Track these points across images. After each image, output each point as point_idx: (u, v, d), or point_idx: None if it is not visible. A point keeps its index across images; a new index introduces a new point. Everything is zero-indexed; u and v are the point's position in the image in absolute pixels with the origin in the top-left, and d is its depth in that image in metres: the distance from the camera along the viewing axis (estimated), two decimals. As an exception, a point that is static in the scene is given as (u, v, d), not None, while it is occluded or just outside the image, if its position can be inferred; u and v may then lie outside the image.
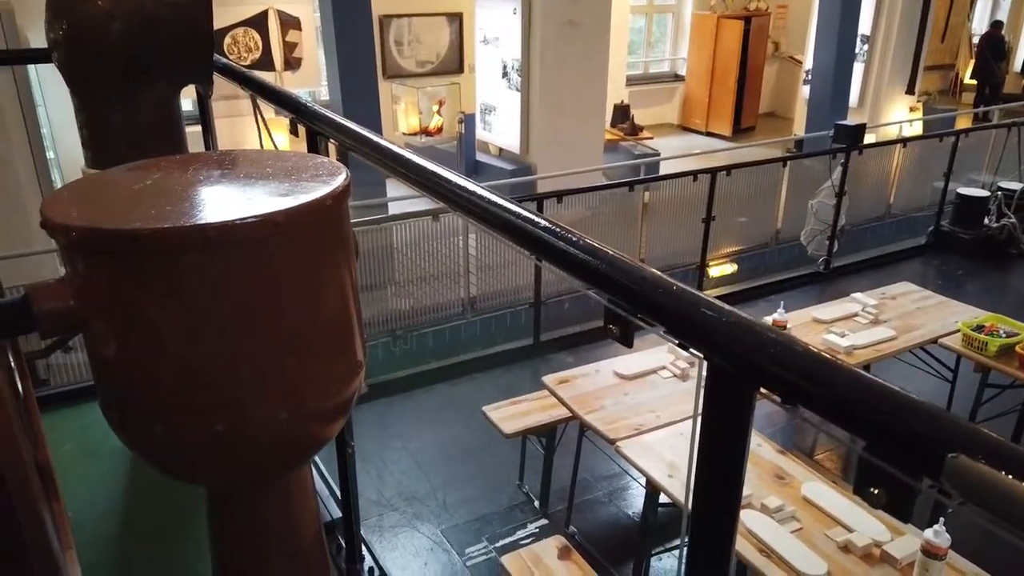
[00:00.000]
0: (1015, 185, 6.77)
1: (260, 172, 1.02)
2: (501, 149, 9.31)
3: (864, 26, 10.31)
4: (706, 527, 0.77)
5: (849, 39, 8.95)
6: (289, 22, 9.96)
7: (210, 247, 0.82)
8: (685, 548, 0.79)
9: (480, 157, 9.33)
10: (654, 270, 0.84)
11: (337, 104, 6.79)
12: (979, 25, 16.38)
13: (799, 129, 12.14)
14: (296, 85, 10.54)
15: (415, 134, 10.10)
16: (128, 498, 2.28)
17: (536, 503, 3.70)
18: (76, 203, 0.93)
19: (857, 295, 3.97)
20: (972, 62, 13.77)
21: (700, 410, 0.77)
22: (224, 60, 2.13)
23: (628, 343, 0.85)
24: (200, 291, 0.85)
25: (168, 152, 2.09)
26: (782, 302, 3.60)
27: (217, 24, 8.47)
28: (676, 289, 0.80)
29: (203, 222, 0.82)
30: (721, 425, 0.74)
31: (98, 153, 2.07)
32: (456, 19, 11.21)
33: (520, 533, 3.52)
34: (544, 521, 3.60)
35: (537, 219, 0.95)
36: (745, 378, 0.72)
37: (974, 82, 14.50)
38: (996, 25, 13.51)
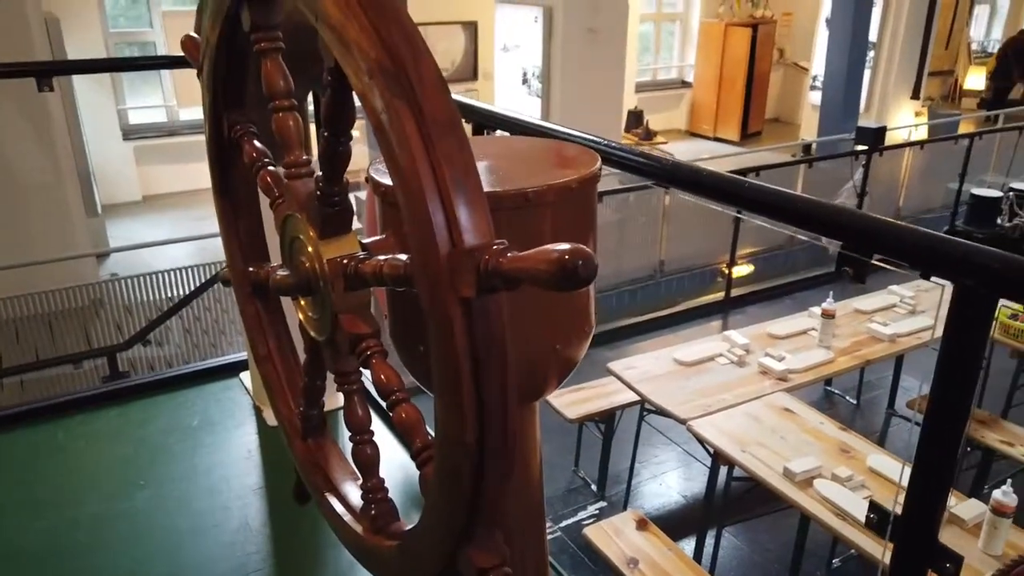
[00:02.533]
0: (1027, 186, 7.00)
1: (535, 153, 1.22)
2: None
3: (871, 33, 10.60)
4: (941, 419, 0.98)
5: (860, 46, 9.21)
6: (310, 30, 10.14)
7: (526, 207, 1.00)
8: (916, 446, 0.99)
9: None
10: (889, 219, 1.05)
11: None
12: (975, 32, 16.72)
13: (806, 134, 12.41)
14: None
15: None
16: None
17: (593, 487, 3.89)
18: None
19: (894, 287, 4.18)
20: (993, 65, 14.02)
21: (944, 330, 0.97)
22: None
23: (862, 280, 1.06)
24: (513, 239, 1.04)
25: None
26: (831, 292, 3.81)
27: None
28: (920, 231, 1.02)
29: (524, 187, 1.00)
30: (965, 335, 0.96)
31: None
32: (471, 27, 11.42)
33: (582, 514, 3.71)
34: (603, 503, 3.79)
35: (782, 191, 1.17)
36: (991, 291, 0.93)
37: (975, 87, 14.82)
38: (1022, 33, 13.77)
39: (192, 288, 5.52)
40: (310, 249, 0.93)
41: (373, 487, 1.00)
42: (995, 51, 15.73)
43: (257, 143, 1.12)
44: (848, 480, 2.53)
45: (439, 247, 0.64)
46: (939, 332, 2.90)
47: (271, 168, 1.08)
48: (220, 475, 2.24)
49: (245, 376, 2.70)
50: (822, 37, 12.27)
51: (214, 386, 2.69)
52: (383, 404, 0.87)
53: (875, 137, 6.00)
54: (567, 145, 1.42)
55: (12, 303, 5.11)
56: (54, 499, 2.18)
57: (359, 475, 1.12)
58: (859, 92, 9.57)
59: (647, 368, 3.37)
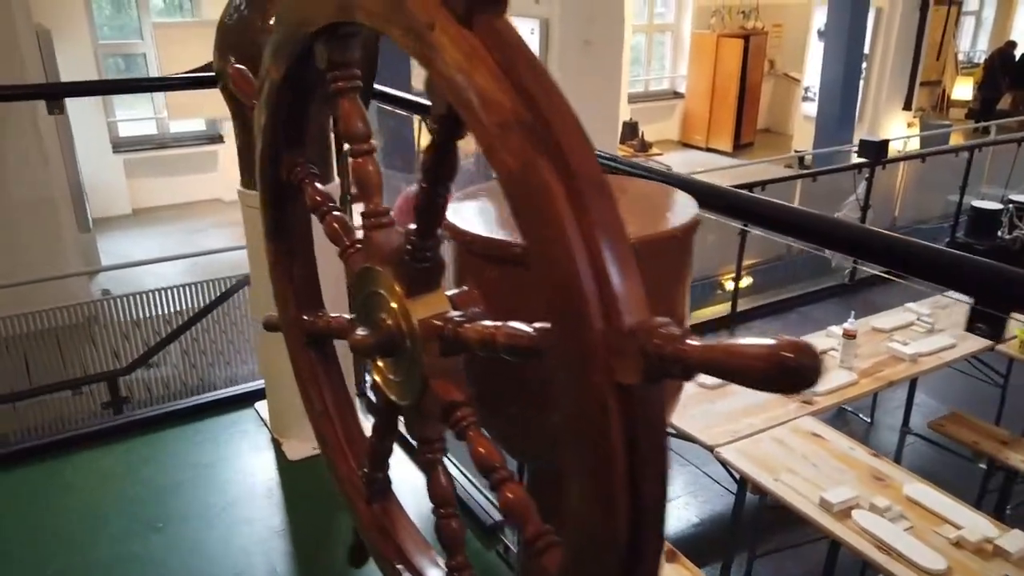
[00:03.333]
0: (1026, 198, 7.01)
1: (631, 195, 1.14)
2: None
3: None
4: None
5: (856, 58, 9.23)
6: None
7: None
8: None
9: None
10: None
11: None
12: (962, 43, 16.86)
13: (799, 144, 12.43)
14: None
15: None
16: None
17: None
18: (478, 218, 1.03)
19: (911, 305, 4.13)
20: (980, 76, 14.16)
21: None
22: (382, 88, 2.22)
23: (997, 339, 0.97)
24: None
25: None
26: (852, 312, 3.75)
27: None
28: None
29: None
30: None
31: (252, 174, 2.16)
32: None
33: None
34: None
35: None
36: None
37: (962, 98, 14.94)
38: (1010, 44, 13.92)
39: (188, 306, 5.40)
40: (394, 306, 0.85)
41: (459, 565, 0.91)
42: (981, 62, 15.88)
43: (319, 185, 1.03)
44: (887, 511, 2.46)
45: (593, 325, 0.56)
46: (961, 351, 2.83)
47: (337, 214, 1.00)
48: (240, 516, 2.14)
49: (261, 406, 2.60)
50: (814, 48, 12.33)
51: (228, 417, 2.58)
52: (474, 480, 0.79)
53: (878, 151, 5.98)
54: (639, 182, 1.35)
55: (2, 323, 4.97)
56: (64, 541, 2.07)
57: (432, 546, 1.04)
58: (855, 104, 9.59)
59: (666, 391, 3.29)
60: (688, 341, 0.52)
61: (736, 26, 13.43)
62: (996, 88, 14.25)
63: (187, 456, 2.39)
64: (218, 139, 10.25)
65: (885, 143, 6.08)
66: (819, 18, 12.16)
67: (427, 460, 0.91)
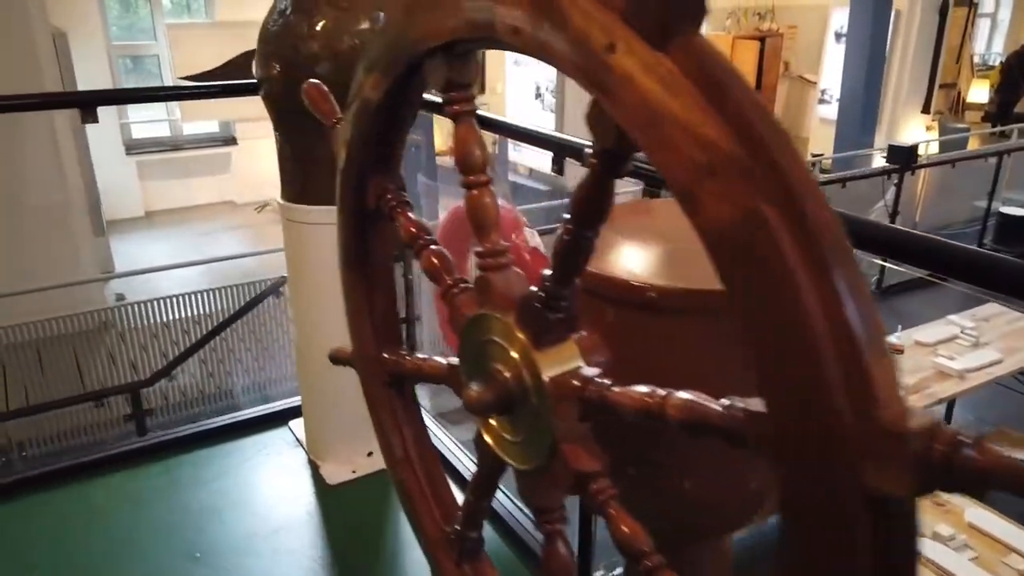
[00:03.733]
0: (1055, 204, 6.89)
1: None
2: (531, 169, 9.36)
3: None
4: None
5: (878, 62, 9.11)
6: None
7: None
8: None
9: (511, 177, 9.38)
10: None
11: None
12: (977, 45, 16.70)
13: (815, 147, 12.29)
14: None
15: (445, 154, 10.13)
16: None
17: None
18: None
19: (952, 317, 4.01)
20: (997, 80, 14.02)
21: None
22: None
23: None
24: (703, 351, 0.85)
25: None
26: (899, 326, 3.63)
27: (247, 45, 8.32)
28: None
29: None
30: None
31: (303, 187, 2.07)
32: (479, 40, 11.26)
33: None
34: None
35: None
36: None
37: (978, 100, 14.77)
38: (1025, 46, 13.74)
39: (205, 311, 5.31)
40: (517, 358, 0.74)
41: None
42: (997, 64, 15.73)
43: (412, 214, 0.93)
44: (951, 540, 2.35)
45: (842, 419, 0.45)
46: (1010, 367, 2.70)
47: (436, 248, 0.90)
48: (282, 546, 2.04)
49: (296, 425, 2.50)
50: (831, 51, 12.19)
51: (262, 438, 2.49)
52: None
53: (908, 156, 5.86)
54: (663, 204, 1.24)
55: (17, 331, 4.89)
56: (97, 571, 1.97)
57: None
58: (876, 108, 9.47)
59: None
60: (985, 448, 0.41)
61: (751, 28, 13.31)
62: (1014, 91, 14.09)
63: (221, 479, 2.29)
64: (231, 141, 10.18)
65: (914, 148, 5.96)
66: (837, 20, 12.03)
67: (547, 531, 0.80)
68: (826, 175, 6.47)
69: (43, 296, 5.11)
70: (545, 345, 0.73)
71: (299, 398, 2.50)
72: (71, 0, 8.44)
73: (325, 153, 2.05)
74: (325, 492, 2.24)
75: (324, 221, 2.08)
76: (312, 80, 1.07)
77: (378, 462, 2.31)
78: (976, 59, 16.55)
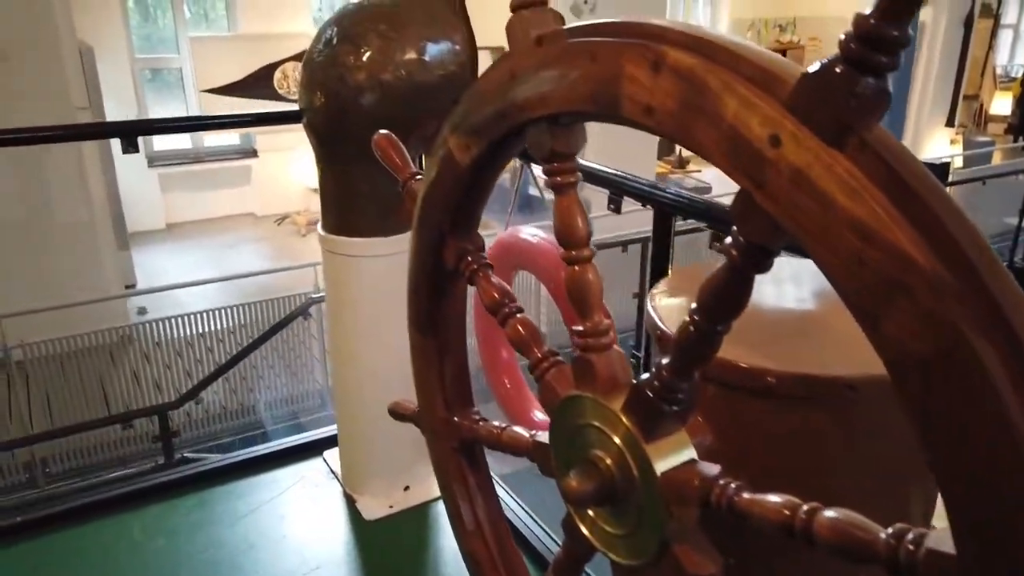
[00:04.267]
0: (1089, 221, 6.77)
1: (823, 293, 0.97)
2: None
3: (903, 59, 10.37)
4: None
5: (905, 73, 9.02)
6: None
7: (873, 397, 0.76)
8: None
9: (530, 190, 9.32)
10: None
11: None
12: (1000, 56, 16.53)
13: (837, 160, 12.18)
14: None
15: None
16: None
17: None
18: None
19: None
20: (1019, 91, 13.88)
21: None
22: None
23: None
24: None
25: (388, 214, 2.04)
26: None
27: (269, 59, 8.46)
28: None
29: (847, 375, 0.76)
30: None
31: (344, 219, 2.02)
32: (498, 53, 11.25)
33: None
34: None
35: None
36: None
37: (1000, 113, 14.60)
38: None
39: (224, 326, 5.30)
40: (618, 444, 0.69)
41: None
42: (1019, 76, 15.56)
43: (494, 278, 0.88)
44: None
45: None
46: None
47: (522, 316, 0.84)
48: (321, 586, 1.99)
49: (331, 456, 2.45)
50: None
51: (297, 469, 2.44)
52: None
53: (942, 173, 5.74)
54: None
55: (41, 347, 4.89)
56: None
57: None
58: (903, 121, 9.37)
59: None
60: None
61: (772, 40, 13.23)
62: (1039, 104, 13.97)
63: (257, 513, 2.25)
64: (252, 153, 10.21)
65: (947, 165, 5.85)
66: (859, 32, 11.93)
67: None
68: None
69: (66, 311, 5.12)
70: (656, 437, 0.67)
71: (334, 427, 2.45)
72: (95, 13, 8.50)
73: (367, 186, 2.03)
74: (362, 528, 2.19)
75: (365, 253, 2.04)
76: (383, 131, 1.02)
77: (415, 497, 2.27)
78: (999, 71, 16.41)
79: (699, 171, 10.68)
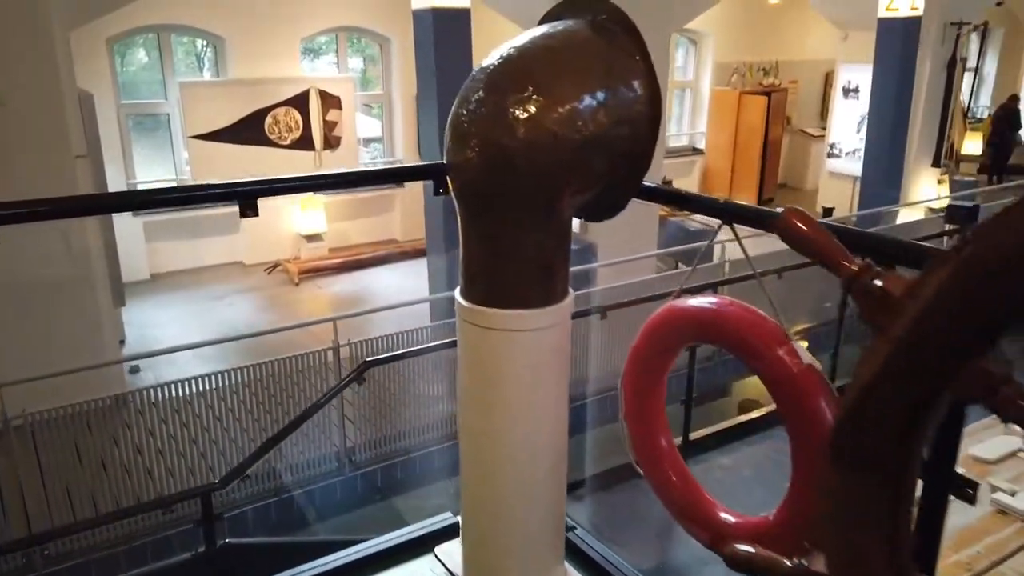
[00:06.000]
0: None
1: None
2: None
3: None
4: None
5: (903, 117, 9.14)
6: (330, 100, 9.81)
7: None
8: None
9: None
10: None
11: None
12: (967, 99, 17.05)
13: (827, 200, 12.32)
14: (334, 163, 10.34)
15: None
16: None
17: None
18: None
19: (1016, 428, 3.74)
20: (988, 132, 14.29)
21: None
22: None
23: None
24: None
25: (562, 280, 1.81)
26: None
27: (259, 104, 8.23)
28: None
29: None
30: None
31: (491, 288, 1.77)
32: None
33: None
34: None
35: None
36: None
37: (971, 153, 14.97)
38: (1013, 98, 14.06)
39: (234, 381, 4.94)
40: None
41: None
42: (985, 117, 16.05)
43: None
44: None
45: None
46: None
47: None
48: None
49: (446, 552, 2.16)
50: (839, 106, 12.30)
51: (404, 569, 2.14)
52: None
53: (970, 216, 5.71)
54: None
55: (40, 416, 4.49)
56: None
57: None
58: (901, 163, 9.47)
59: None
60: None
61: (756, 83, 13.41)
62: (1005, 143, 14.36)
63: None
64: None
65: (976, 208, 5.81)
66: (844, 76, 12.17)
67: None
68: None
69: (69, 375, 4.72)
70: None
71: (443, 516, 2.17)
72: (81, 59, 8.18)
73: (524, 250, 1.78)
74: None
75: (523, 327, 1.78)
76: (794, 207, 0.79)
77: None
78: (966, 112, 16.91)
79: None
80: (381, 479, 5.50)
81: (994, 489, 2.93)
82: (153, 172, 9.56)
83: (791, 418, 1.54)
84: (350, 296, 9.19)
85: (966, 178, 12.80)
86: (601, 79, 1.64)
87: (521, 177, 1.64)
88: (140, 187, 9.37)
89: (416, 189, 10.47)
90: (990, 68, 17.65)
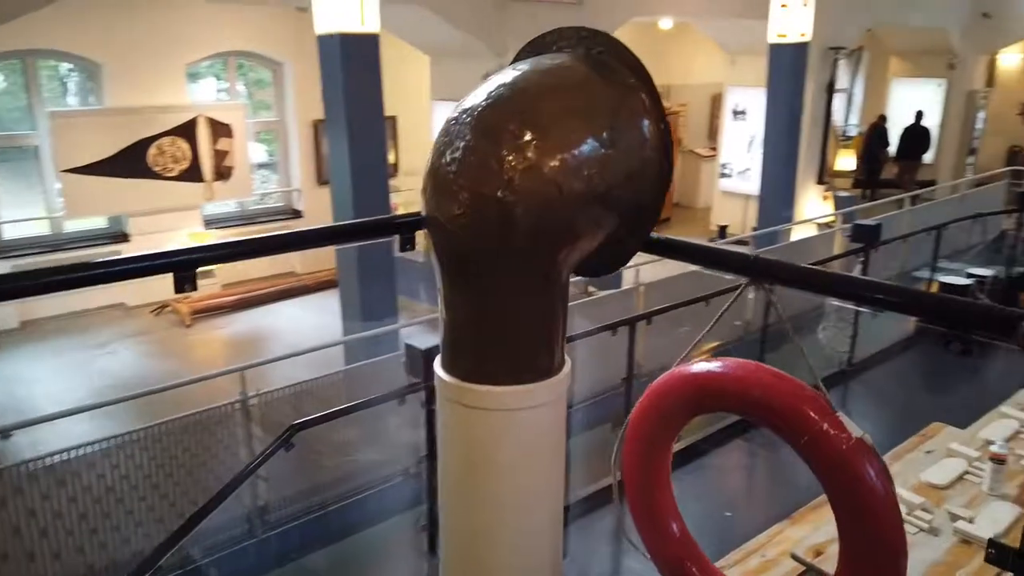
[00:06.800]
0: (986, 272, 7.22)
1: None
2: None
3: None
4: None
5: (795, 139, 9.49)
6: (220, 129, 9.26)
7: None
8: None
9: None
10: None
11: (344, 199, 6.08)
12: (839, 118, 18.13)
13: (722, 218, 12.71)
14: (227, 196, 9.76)
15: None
16: None
17: None
18: None
19: (1004, 408, 3.87)
20: (860, 149, 15.18)
21: None
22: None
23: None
24: None
25: (560, 349, 1.60)
26: (1001, 436, 3.41)
27: (141, 134, 7.70)
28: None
29: None
30: None
31: (480, 361, 1.52)
32: (390, 121, 10.87)
33: None
34: None
35: None
36: None
37: (845, 168, 15.89)
38: (881, 118, 15.00)
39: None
40: None
41: None
42: (854, 135, 17.10)
43: None
44: None
45: None
46: None
47: None
48: None
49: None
50: (729, 128, 12.75)
51: None
52: None
53: (872, 234, 5.93)
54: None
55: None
56: None
57: None
58: (793, 182, 9.84)
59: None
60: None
61: (649, 106, 13.71)
62: (876, 159, 15.33)
63: None
64: (122, 237, 9.13)
65: (878, 227, 6.04)
66: (732, 99, 12.64)
67: None
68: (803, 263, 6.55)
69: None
70: None
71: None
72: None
73: (517, 319, 1.55)
74: None
75: (508, 406, 1.55)
76: None
77: None
78: (838, 131, 17.97)
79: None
80: (302, 537, 5.09)
81: (954, 518, 2.91)
82: (21, 210, 8.68)
83: (841, 498, 1.38)
84: (252, 336, 8.62)
85: (845, 193, 13.51)
86: (606, 121, 1.44)
87: (519, 235, 1.41)
88: (5, 227, 8.49)
89: (315, 220, 10.02)
90: (858, 90, 18.86)
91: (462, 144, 1.43)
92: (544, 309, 1.52)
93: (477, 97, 1.45)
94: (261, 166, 10.89)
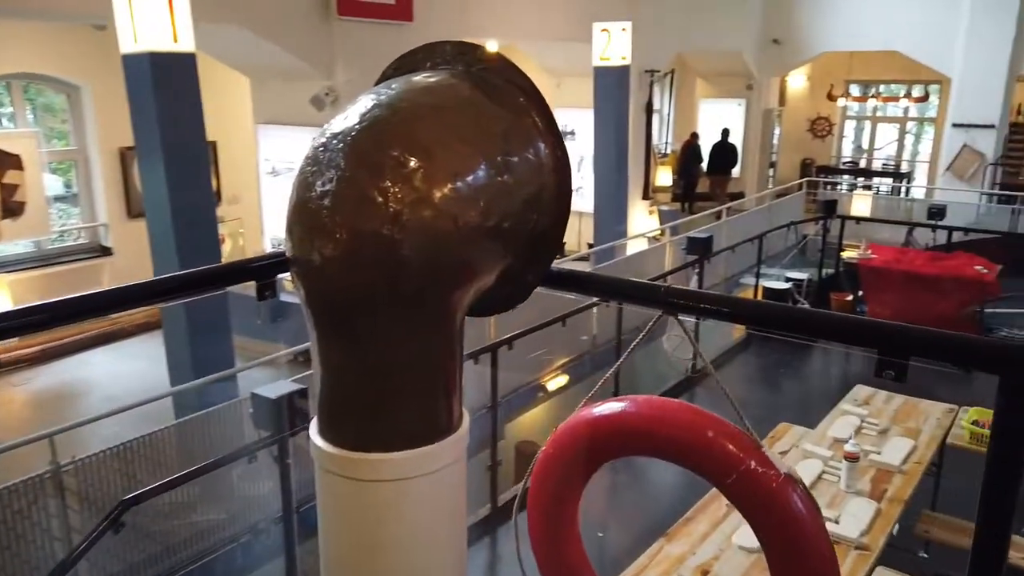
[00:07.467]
0: (802, 275, 7.82)
1: None
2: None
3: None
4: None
5: (624, 157, 9.86)
6: (8, 160, 8.22)
7: None
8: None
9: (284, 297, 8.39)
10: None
11: (164, 235, 5.46)
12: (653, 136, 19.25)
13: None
14: (19, 235, 8.70)
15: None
16: None
17: None
18: None
19: (844, 405, 4.11)
20: (676, 165, 16.11)
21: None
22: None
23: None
24: None
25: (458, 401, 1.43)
26: (850, 433, 3.56)
27: None
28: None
29: None
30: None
31: (362, 425, 1.31)
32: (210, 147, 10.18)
33: None
34: None
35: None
36: None
37: (664, 184, 16.88)
38: (694, 135, 16.00)
39: None
40: None
41: None
42: (670, 152, 18.23)
43: None
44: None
45: None
46: (932, 450, 2.67)
47: None
48: None
49: None
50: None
51: None
52: None
53: (705, 246, 6.21)
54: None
55: None
56: None
57: None
58: (625, 199, 10.21)
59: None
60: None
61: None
62: (691, 174, 16.41)
63: None
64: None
65: (710, 240, 6.34)
66: (560, 119, 12.96)
67: None
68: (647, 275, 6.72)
69: None
70: None
71: None
72: None
73: (408, 371, 1.34)
74: None
75: (403, 474, 1.34)
76: None
77: None
78: (659, 150, 19.09)
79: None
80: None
81: (820, 519, 3.01)
82: None
83: (772, 535, 1.29)
84: (60, 392, 7.65)
85: (667, 208, 14.30)
86: (499, 144, 1.28)
87: (408, 276, 1.22)
88: None
89: (127, 257, 9.14)
90: (670, 110, 20.14)
91: (335, 174, 1.21)
92: (439, 359, 1.33)
93: (349, 120, 1.24)
94: (58, 199, 9.80)
